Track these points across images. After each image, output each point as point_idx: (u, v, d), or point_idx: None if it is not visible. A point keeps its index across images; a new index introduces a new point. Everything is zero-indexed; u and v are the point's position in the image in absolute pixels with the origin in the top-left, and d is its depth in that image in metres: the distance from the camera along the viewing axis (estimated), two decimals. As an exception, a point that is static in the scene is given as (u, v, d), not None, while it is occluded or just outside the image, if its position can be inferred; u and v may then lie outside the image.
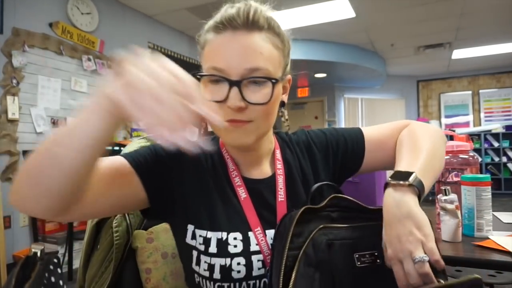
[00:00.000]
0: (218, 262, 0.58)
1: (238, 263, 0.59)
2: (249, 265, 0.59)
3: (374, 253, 0.54)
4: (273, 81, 0.58)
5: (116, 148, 2.54)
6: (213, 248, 0.59)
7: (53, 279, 0.52)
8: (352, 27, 4.48)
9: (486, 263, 0.78)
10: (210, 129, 0.66)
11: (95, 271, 0.77)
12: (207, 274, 0.59)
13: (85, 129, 0.43)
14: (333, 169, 0.72)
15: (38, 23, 2.84)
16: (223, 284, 0.58)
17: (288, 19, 4.09)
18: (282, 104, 0.68)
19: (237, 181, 0.65)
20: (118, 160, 0.59)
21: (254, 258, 0.60)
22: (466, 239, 0.91)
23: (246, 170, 0.68)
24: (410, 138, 0.65)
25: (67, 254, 2.63)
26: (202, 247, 0.60)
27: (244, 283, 0.59)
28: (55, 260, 0.54)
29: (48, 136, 0.46)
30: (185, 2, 3.66)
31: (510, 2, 3.79)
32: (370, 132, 0.73)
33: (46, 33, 2.89)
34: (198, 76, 0.57)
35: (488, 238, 0.90)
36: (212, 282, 0.58)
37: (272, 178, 0.68)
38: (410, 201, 0.51)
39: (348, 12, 3.98)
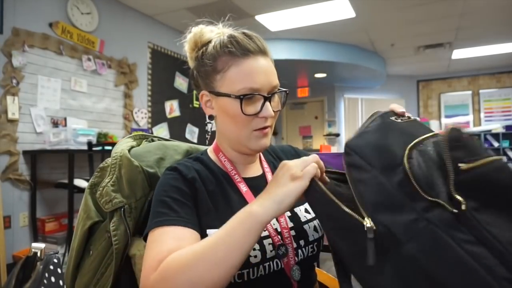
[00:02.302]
0: None
1: (254, 249, 0.65)
2: (262, 249, 0.67)
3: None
4: (287, 91, 0.76)
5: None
6: None
7: (53, 279, 0.52)
8: (352, 27, 4.48)
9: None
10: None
11: (89, 278, 0.74)
12: None
13: (244, 249, 0.55)
14: None
15: (38, 23, 2.84)
16: (242, 271, 0.65)
17: (288, 19, 4.10)
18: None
19: (237, 178, 0.75)
20: (192, 237, 0.63)
21: (266, 242, 0.68)
22: (466, 239, 0.91)
23: (242, 170, 0.79)
24: None
25: (67, 254, 2.63)
26: None
27: (260, 267, 0.66)
28: (55, 260, 0.54)
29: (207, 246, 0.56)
30: (185, 2, 3.66)
31: (510, 2, 3.79)
32: None
33: (46, 33, 2.89)
34: (240, 97, 0.68)
35: (488, 238, 0.89)
36: None
37: (263, 175, 0.81)
38: None
39: (348, 12, 3.98)
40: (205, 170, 0.75)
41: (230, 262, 0.53)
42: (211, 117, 0.77)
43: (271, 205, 0.55)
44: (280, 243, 0.69)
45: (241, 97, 0.68)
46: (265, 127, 0.72)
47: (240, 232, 0.54)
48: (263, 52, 0.71)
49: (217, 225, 0.64)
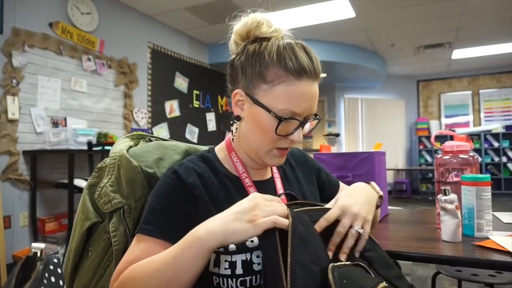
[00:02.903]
0: (239, 258, 0.63)
1: (258, 256, 0.64)
2: None
3: None
4: (320, 119, 0.74)
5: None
6: (232, 246, 0.62)
7: (53, 279, 0.52)
8: (352, 27, 4.48)
9: (486, 263, 0.78)
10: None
11: (87, 280, 0.74)
12: (228, 272, 0.63)
13: (193, 272, 0.57)
14: (317, 187, 0.88)
15: (38, 23, 2.84)
16: (245, 278, 0.63)
17: (288, 19, 4.09)
18: None
19: (247, 181, 0.74)
20: (161, 248, 0.63)
21: None
22: (466, 239, 0.91)
23: (253, 173, 0.77)
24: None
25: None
26: (221, 248, 0.62)
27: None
28: (55, 260, 0.54)
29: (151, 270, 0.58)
30: (185, 2, 3.66)
31: (510, 2, 3.79)
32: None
33: (46, 33, 2.89)
34: (281, 118, 0.66)
35: (488, 238, 0.90)
36: (234, 279, 0.63)
37: (272, 180, 0.79)
38: (375, 196, 0.73)
39: (348, 12, 3.99)
40: (209, 172, 0.72)
41: (179, 283, 0.56)
42: (238, 118, 0.73)
43: (217, 236, 0.56)
44: None
45: (282, 119, 0.66)
46: (286, 148, 0.72)
47: (188, 256, 0.56)
48: (316, 76, 0.69)
49: None
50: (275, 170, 0.81)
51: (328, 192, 0.88)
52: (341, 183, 0.94)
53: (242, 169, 0.74)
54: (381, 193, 0.75)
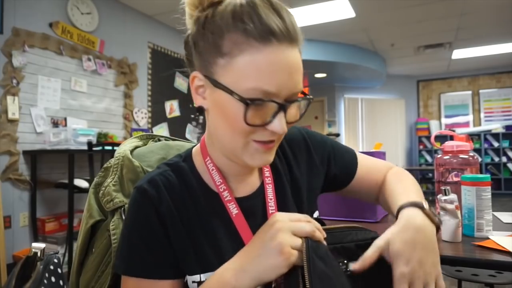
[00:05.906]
0: None
1: None
2: None
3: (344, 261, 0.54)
4: (311, 99, 0.55)
5: (114, 148, 2.55)
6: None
7: (53, 279, 0.52)
8: (352, 27, 4.48)
9: (486, 263, 0.78)
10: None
11: (90, 275, 0.74)
12: None
13: None
14: (324, 179, 0.74)
15: (38, 23, 2.84)
16: None
17: (288, 19, 4.10)
18: None
19: (226, 195, 0.59)
20: None
21: None
22: (466, 239, 0.91)
23: (234, 183, 0.62)
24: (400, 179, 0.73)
25: (67, 254, 2.64)
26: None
27: None
28: (55, 260, 0.54)
29: None
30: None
31: (510, 2, 3.79)
32: (363, 158, 0.78)
33: (46, 33, 2.89)
34: (247, 101, 0.49)
35: (488, 238, 0.90)
36: None
37: (261, 189, 0.64)
38: (434, 233, 0.55)
39: (348, 12, 3.99)
40: (183, 188, 0.60)
41: None
42: (201, 110, 0.58)
43: (248, 278, 0.48)
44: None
45: (248, 102, 0.48)
46: (270, 141, 0.53)
47: None
48: (292, 37, 0.51)
49: (197, 270, 0.56)
50: (266, 173, 0.65)
51: (340, 182, 0.76)
52: (359, 160, 0.76)
53: (220, 180, 0.60)
54: (437, 221, 0.57)
